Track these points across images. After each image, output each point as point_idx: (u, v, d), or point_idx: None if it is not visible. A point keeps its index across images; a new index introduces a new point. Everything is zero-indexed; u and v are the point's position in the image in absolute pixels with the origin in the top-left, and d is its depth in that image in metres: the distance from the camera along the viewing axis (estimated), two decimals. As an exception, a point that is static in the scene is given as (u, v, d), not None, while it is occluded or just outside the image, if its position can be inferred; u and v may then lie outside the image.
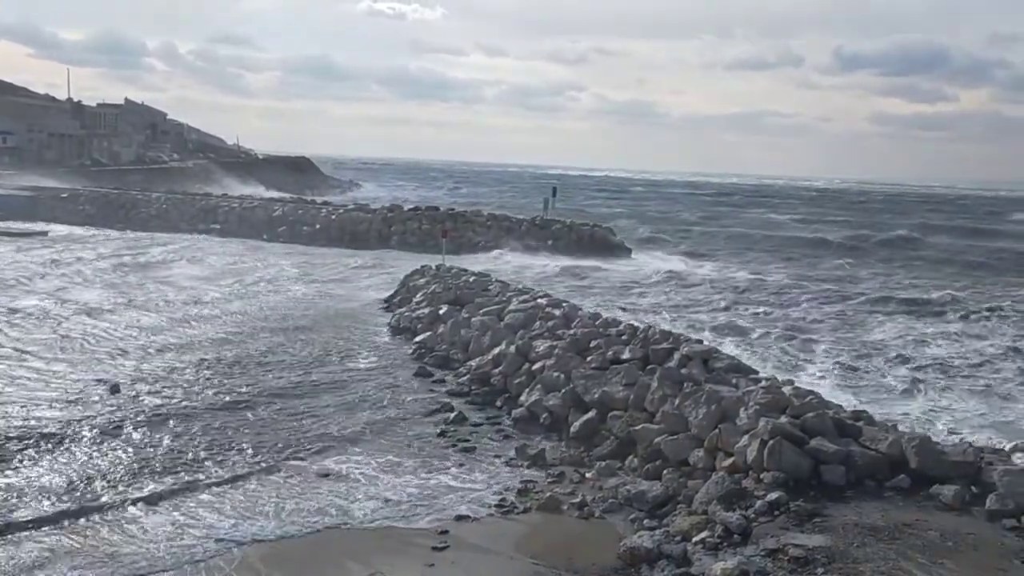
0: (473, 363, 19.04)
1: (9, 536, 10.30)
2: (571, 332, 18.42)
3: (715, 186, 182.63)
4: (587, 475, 12.96)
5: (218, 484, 12.21)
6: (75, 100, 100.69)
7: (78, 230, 47.63)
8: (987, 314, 29.75)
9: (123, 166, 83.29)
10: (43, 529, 10.55)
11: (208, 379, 17.71)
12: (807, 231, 68.97)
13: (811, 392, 13.71)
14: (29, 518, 10.76)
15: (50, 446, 13.27)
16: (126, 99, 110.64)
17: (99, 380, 17.07)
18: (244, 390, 17.01)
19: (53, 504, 11.21)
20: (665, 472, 12.26)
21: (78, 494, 11.60)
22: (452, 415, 15.84)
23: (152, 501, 11.51)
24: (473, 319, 21.08)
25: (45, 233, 44.87)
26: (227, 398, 16.42)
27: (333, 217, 49.85)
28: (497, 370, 18.02)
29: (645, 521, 10.97)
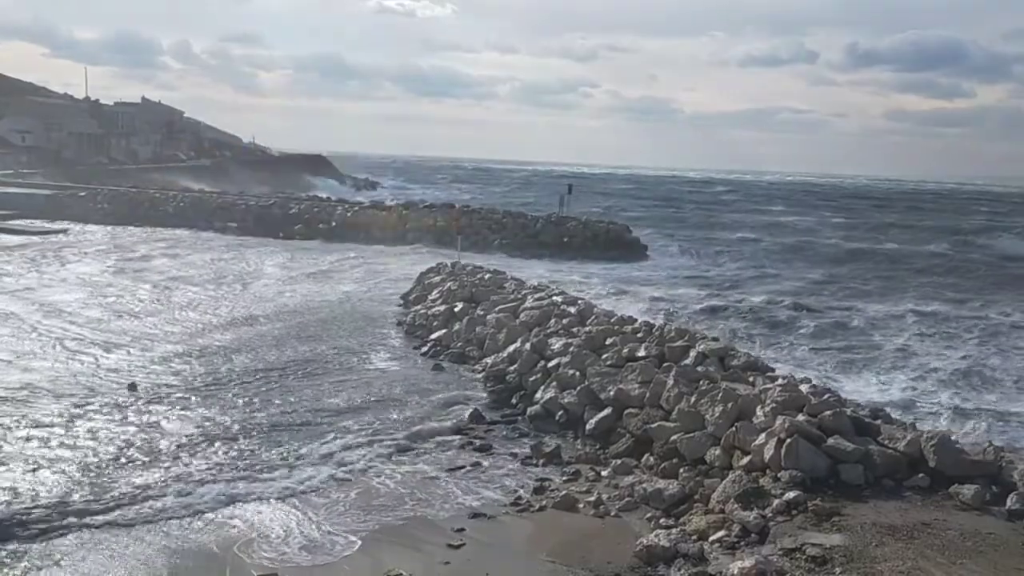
0: (488, 360, 19.06)
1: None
2: (586, 329, 18.39)
3: (742, 184, 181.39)
4: (603, 473, 12.93)
5: (230, 482, 12.29)
6: (93, 99, 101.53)
7: (97, 228, 47.92)
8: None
9: (141, 164, 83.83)
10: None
11: (222, 378, 17.81)
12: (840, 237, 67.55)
13: (828, 390, 13.62)
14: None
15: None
16: (143, 98, 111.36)
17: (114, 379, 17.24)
18: (261, 388, 17.11)
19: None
20: (681, 470, 12.22)
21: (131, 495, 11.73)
22: (467, 412, 15.86)
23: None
24: (488, 316, 21.10)
25: (64, 231, 45.26)
26: (241, 396, 16.52)
27: (348, 215, 50.03)
28: (512, 367, 18.02)
29: (661, 520, 10.95)
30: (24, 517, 10.71)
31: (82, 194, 55.23)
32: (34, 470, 12.24)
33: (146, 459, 12.91)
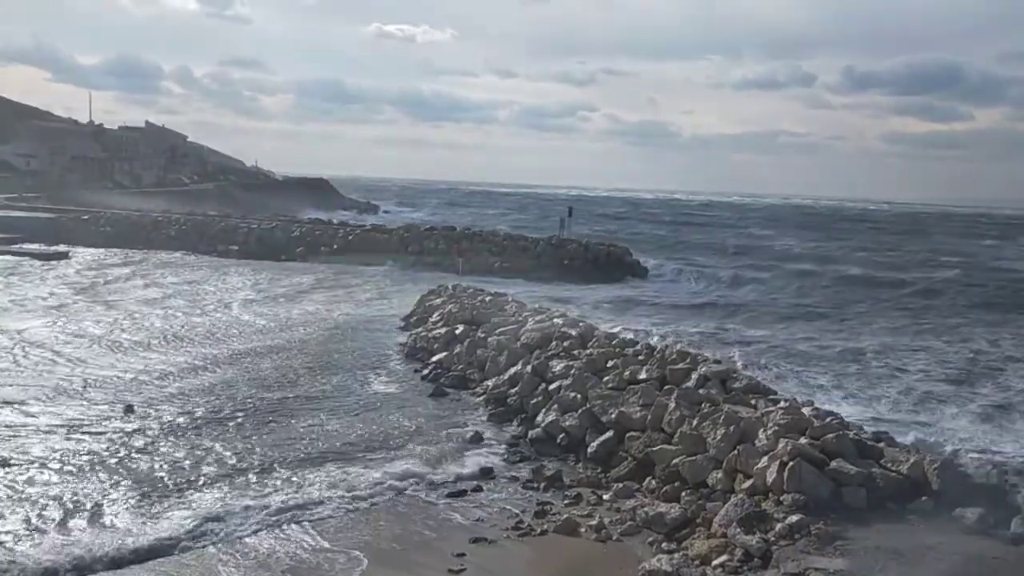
0: (489, 383, 19.02)
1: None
2: (588, 352, 18.37)
3: (741, 207, 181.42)
4: (604, 497, 12.86)
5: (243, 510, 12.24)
6: (96, 123, 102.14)
7: (99, 252, 48.00)
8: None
9: (144, 188, 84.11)
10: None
11: (220, 404, 17.76)
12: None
13: (831, 413, 13.58)
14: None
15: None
16: (147, 122, 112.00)
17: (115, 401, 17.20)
18: (260, 415, 17.06)
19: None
20: (683, 494, 12.16)
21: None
22: (468, 435, 15.81)
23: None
24: (489, 339, 21.07)
25: (67, 254, 45.37)
26: (240, 422, 16.48)
27: (351, 238, 50.17)
28: (514, 390, 17.98)
29: (663, 544, 10.88)
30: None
31: (85, 217, 55.41)
32: (36, 502, 12.21)
33: (143, 488, 12.83)
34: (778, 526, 10.15)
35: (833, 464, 10.99)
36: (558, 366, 17.82)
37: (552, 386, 17.09)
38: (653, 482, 12.97)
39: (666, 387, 15.48)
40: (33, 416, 15.97)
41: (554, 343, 19.66)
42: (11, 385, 18.23)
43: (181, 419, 16.30)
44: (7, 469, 13.14)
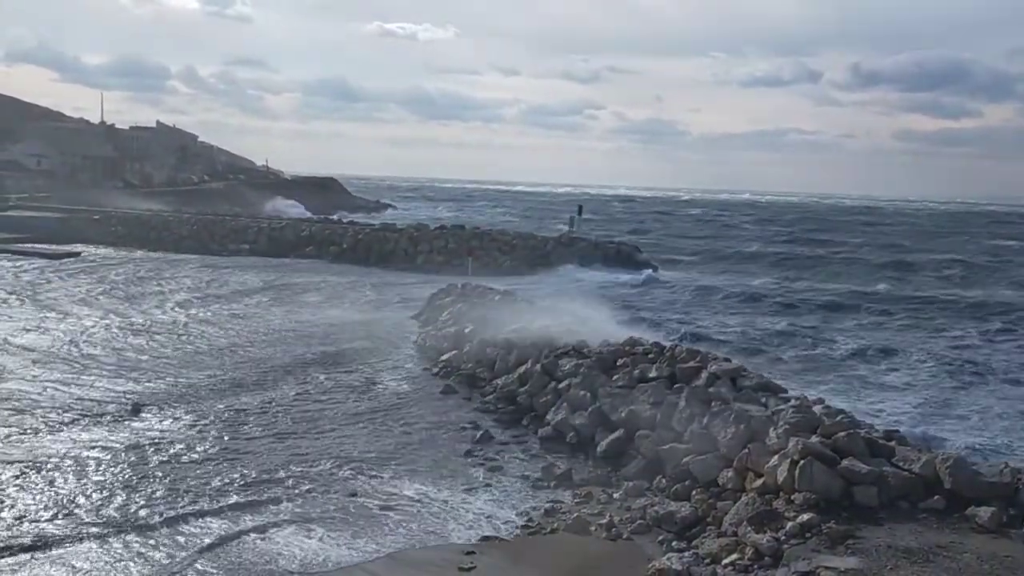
0: (499, 381, 19.01)
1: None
2: (597, 350, 18.33)
3: (755, 207, 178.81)
4: (615, 495, 12.86)
5: (235, 508, 12.29)
6: (108, 123, 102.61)
7: (109, 251, 48.22)
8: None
9: (155, 188, 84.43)
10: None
11: (233, 400, 17.84)
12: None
13: (842, 411, 13.51)
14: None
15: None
16: (157, 122, 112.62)
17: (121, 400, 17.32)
18: (273, 410, 17.13)
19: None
20: (694, 493, 12.14)
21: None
22: (478, 434, 15.82)
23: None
24: (498, 337, 21.04)
25: (78, 254, 45.59)
26: (259, 421, 16.54)
27: (360, 237, 50.22)
28: (523, 389, 17.97)
29: (674, 543, 10.87)
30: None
31: (96, 217, 55.66)
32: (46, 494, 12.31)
33: (156, 488, 12.94)
34: (789, 525, 10.11)
35: (844, 462, 10.93)
36: (567, 364, 17.79)
37: (562, 384, 17.07)
38: (663, 481, 12.95)
39: (676, 385, 15.45)
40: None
41: (563, 341, 19.62)
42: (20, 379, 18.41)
43: (189, 418, 16.39)
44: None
